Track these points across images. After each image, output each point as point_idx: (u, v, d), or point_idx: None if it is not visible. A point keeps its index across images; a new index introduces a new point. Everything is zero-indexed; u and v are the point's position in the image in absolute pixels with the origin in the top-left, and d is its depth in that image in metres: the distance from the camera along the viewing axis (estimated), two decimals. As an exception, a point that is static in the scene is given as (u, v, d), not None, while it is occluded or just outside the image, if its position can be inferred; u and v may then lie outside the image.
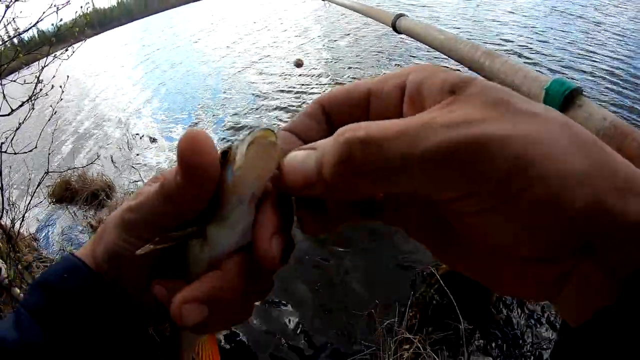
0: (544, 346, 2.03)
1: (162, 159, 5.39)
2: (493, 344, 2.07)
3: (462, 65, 0.84)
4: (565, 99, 0.56)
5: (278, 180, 0.22)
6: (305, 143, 0.23)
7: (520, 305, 2.22)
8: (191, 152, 0.21)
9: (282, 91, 6.63)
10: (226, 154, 0.22)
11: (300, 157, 0.21)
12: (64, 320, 0.27)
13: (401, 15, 1.16)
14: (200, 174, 0.22)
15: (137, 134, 6.44)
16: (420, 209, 0.24)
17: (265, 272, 0.26)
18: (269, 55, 9.52)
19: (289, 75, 7.51)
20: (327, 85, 6.12)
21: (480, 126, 0.17)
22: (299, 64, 6.95)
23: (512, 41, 6.52)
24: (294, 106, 5.89)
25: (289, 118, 5.51)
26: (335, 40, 8.96)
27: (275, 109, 6.00)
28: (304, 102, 5.91)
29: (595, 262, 0.18)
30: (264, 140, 0.21)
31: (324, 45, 8.78)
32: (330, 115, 0.26)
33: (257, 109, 6.19)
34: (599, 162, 0.17)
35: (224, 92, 7.59)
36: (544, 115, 0.18)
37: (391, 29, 1.18)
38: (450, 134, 0.17)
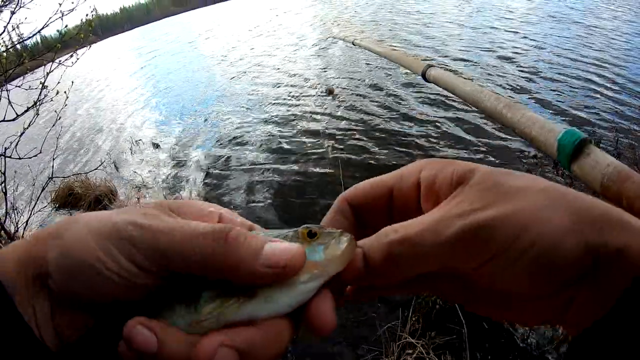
0: (547, 350, 2.02)
1: (165, 164, 5.42)
2: (496, 349, 2.06)
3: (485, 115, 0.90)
4: (576, 148, 0.63)
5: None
6: None
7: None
8: (290, 271, 0.25)
9: (281, 99, 6.66)
10: (314, 235, 0.28)
11: None
12: None
13: (431, 65, 1.28)
14: (284, 276, 0.25)
15: (140, 140, 6.47)
16: (441, 277, 0.29)
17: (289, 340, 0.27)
18: (263, 64, 9.59)
19: (283, 79, 7.56)
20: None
21: (482, 212, 0.24)
22: (330, 91, 6.42)
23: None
24: (291, 115, 5.91)
25: (284, 123, 5.53)
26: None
27: (270, 118, 6.03)
28: (296, 111, 5.93)
29: (590, 287, 0.23)
30: (354, 243, 0.27)
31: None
32: (357, 209, 0.31)
33: (255, 115, 6.23)
34: (576, 212, 0.23)
35: (225, 97, 7.64)
36: (530, 188, 0.24)
37: (421, 77, 1.31)
38: (463, 222, 0.24)
